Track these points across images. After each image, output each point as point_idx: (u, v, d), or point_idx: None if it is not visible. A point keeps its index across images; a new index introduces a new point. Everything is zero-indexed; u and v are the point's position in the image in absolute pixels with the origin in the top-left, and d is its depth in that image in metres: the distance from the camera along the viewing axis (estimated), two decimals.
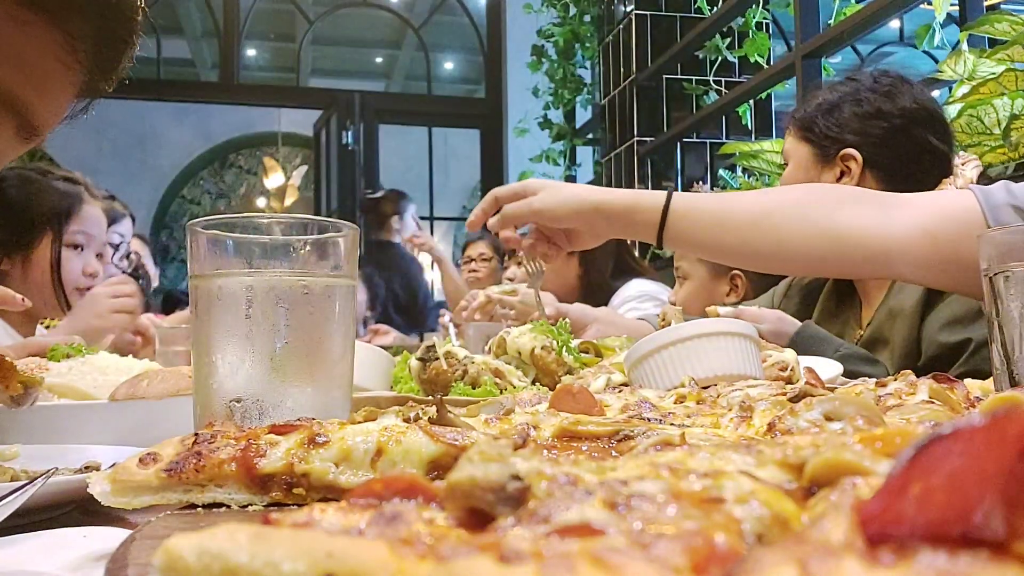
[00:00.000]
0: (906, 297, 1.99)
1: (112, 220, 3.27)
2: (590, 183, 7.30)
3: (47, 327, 2.77)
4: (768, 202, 1.44)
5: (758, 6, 5.25)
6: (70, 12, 0.83)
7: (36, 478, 0.71)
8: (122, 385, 1.20)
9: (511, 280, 4.41)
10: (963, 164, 2.27)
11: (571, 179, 7.56)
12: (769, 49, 5.40)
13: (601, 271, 3.58)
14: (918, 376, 0.81)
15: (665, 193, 1.47)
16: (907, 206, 1.38)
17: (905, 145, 2.13)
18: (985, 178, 2.36)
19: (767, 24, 5.46)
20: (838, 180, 2.15)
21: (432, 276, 7.70)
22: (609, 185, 6.44)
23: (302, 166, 11.62)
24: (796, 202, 1.42)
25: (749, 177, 4.65)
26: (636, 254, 4.22)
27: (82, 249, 2.76)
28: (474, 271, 5.20)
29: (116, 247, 3.48)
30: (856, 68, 8.40)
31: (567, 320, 1.60)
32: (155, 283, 4.26)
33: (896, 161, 2.12)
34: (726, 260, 1.56)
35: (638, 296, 3.41)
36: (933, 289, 1.90)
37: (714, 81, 5.80)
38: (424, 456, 0.63)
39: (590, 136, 7.33)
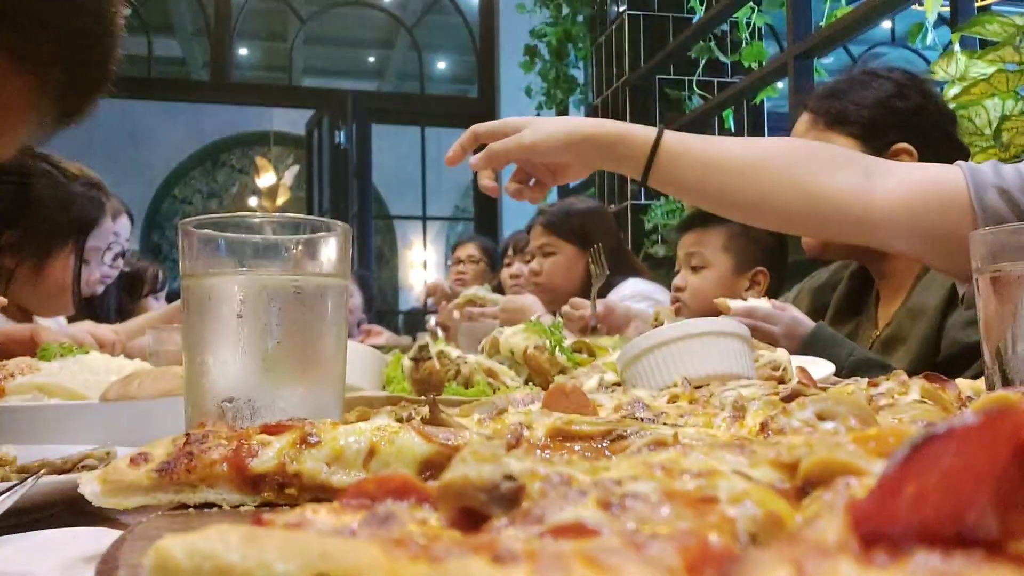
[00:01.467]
0: (931, 296, 1.96)
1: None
2: (583, 183, 7.32)
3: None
4: (757, 153, 1.41)
5: (753, 9, 5.25)
6: (42, 59, 0.83)
7: (26, 478, 0.71)
8: (113, 385, 1.19)
9: (516, 276, 4.41)
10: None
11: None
12: (765, 54, 5.41)
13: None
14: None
15: (656, 129, 1.45)
16: (892, 175, 1.37)
17: (944, 143, 2.11)
18: None
19: (760, 29, 5.46)
20: None
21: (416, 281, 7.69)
22: (603, 185, 6.45)
23: (294, 166, 11.60)
24: (783, 157, 1.40)
25: None
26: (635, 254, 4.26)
27: (89, 264, 2.77)
28: (462, 273, 5.19)
29: (108, 247, 3.47)
30: (848, 68, 8.44)
31: (559, 319, 1.60)
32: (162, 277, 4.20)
33: (937, 157, 2.11)
34: (706, 205, 1.49)
35: (632, 296, 3.42)
36: (957, 288, 1.89)
37: (706, 82, 5.81)
38: (417, 456, 0.63)
39: None
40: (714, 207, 1.51)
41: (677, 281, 3.01)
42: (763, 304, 2.04)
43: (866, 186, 1.36)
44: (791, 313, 2.00)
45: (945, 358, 1.86)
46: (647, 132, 1.44)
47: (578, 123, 1.49)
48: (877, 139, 2.08)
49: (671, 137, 1.43)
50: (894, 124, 2.10)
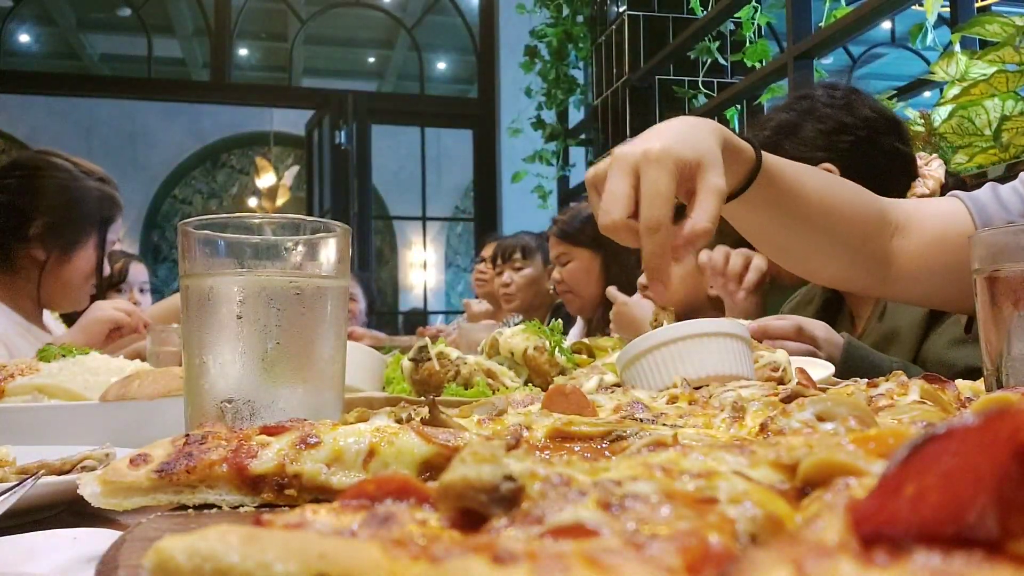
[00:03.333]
0: (902, 317, 1.98)
1: None
2: (584, 183, 7.31)
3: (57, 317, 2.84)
4: (829, 203, 1.39)
5: (756, 9, 5.25)
6: None
7: (25, 479, 0.71)
8: (113, 386, 1.19)
9: (507, 285, 4.42)
10: (926, 164, 2.29)
11: (564, 180, 7.57)
12: (768, 54, 5.41)
13: (625, 266, 3.60)
14: None
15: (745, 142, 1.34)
16: (908, 234, 1.41)
17: (873, 154, 2.16)
18: (951, 176, 2.38)
19: (760, 28, 5.47)
20: None
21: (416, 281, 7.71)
22: None
23: (294, 166, 11.61)
24: (848, 209, 1.40)
25: None
26: None
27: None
28: (482, 273, 5.15)
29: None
30: (848, 69, 8.44)
31: (559, 321, 1.60)
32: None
33: (868, 172, 2.11)
34: (776, 234, 1.45)
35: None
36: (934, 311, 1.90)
37: (706, 82, 5.81)
38: (416, 457, 0.63)
39: (583, 136, 7.34)
40: (776, 248, 1.48)
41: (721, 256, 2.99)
42: (811, 321, 2.00)
43: (890, 248, 1.41)
44: (823, 325, 1.98)
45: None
46: (748, 146, 1.32)
47: (707, 130, 1.27)
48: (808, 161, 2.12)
49: (768, 159, 1.33)
50: (816, 147, 2.15)
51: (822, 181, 1.40)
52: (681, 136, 1.19)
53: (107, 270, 2.89)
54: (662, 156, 1.13)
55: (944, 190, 2.12)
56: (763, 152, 1.33)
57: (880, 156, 2.16)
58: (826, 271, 1.51)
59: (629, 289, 3.30)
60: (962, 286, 1.32)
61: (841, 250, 1.42)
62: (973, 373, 1.74)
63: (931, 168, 2.28)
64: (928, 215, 1.43)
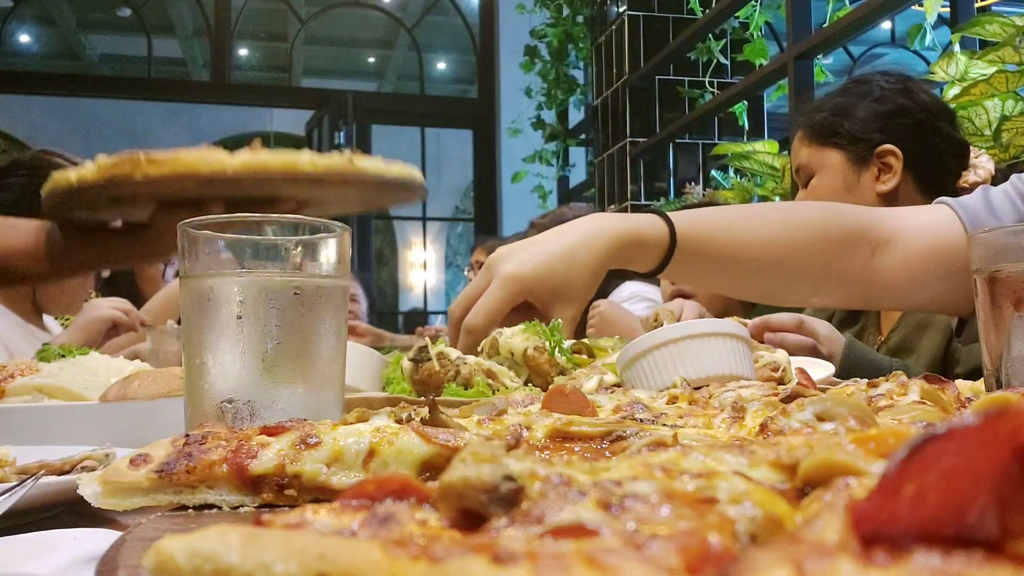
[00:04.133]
0: (925, 343, 1.99)
1: None
2: (583, 183, 7.33)
3: (63, 324, 2.82)
4: (772, 253, 1.39)
5: (756, 8, 5.25)
6: None
7: (25, 479, 0.71)
8: (113, 386, 1.19)
9: None
10: (976, 157, 2.30)
11: (564, 180, 7.57)
12: (767, 52, 5.41)
13: None
14: None
15: (663, 223, 1.36)
16: (893, 249, 1.40)
17: (933, 139, 2.17)
18: (1001, 170, 2.40)
19: (760, 28, 5.47)
20: (877, 179, 2.15)
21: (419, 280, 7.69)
22: (602, 186, 6.45)
23: None
24: (799, 251, 1.39)
25: (741, 178, 4.66)
26: None
27: None
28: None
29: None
30: (848, 69, 8.44)
31: (559, 321, 1.60)
32: None
33: (928, 155, 2.15)
34: (719, 291, 1.52)
35: (631, 297, 3.43)
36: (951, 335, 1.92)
37: (707, 82, 5.81)
38: (416, 457, 0.63)
39: (583, 137, 7.34)
40: (726, 293, 1.50)
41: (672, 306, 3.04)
42: (813, 320, 2.01)
43: (871, 267, 1.39)
44: (827, 325, 1.98)
45: (965, 373, 1.85)
46: (659, 231, 1.35)
47: (581, 243, 1.32)
48: (861, 146, 2.13)
49: (685, 234, 1.36)
50: (877, 129, 2.14)
51: (773, 224, 1.39)
52: (552, 261, 1.30)
53: (106, 271, 2.87)
54: (509, 281, 1.30)
55: (995, 183, 2.13)
56: (683, 225, 1.35)
57: (939, 139, 2.17)
58: (806, 302, 1.53)
59: (596, 296, 3.30)
60: (956, 293, 1.32)
61: (813, 282, 1.41)
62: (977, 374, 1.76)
63: (980, 161, 2.29)
64: (915, 227, 1.41)
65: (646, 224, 1.35)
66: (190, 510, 0.63)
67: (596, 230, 1.33)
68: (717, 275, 1.41)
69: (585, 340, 1.69)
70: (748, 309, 3.03)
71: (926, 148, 2.15)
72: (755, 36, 5.35)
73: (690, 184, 5.43)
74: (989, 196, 1.37)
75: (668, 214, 1.38)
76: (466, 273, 5.26)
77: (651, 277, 1.39)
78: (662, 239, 1.35)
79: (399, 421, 0.68)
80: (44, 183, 2.64)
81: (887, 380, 0.83)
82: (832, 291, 1.43)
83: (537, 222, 3.95)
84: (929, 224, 1.39)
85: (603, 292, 3.50)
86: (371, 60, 12.56)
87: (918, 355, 1.98)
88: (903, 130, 2.15)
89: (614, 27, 6.31)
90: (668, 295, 3.06)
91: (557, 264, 1.30)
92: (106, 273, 2.85)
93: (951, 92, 3.01)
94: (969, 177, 2.19)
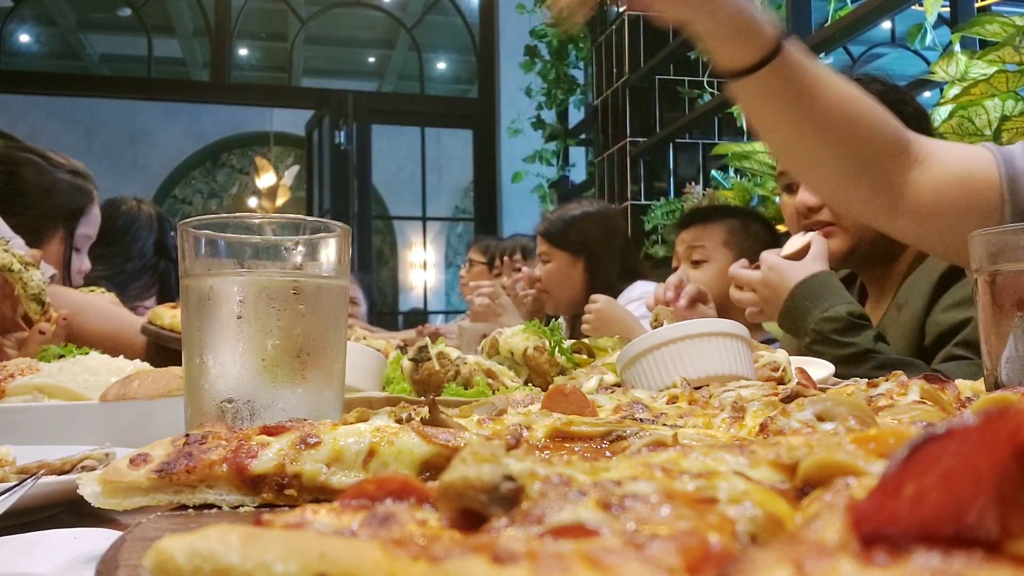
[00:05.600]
0: (916, 292, 2.03)
1: (151, 223, 3.33)
2: (583, 183, 7.33)
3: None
4: (852, 109, 1.36)
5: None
6: None
7: (25, 479, 0.71)
8: (113, 386, 1.19)
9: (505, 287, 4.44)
10: None
11: (564, 180, 7.57)
12: None
13: (607, 273, 3.62)
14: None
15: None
16: (928, 168, 1.38)
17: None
18: None
19: None
20: None
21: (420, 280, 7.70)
22: (602, 186, 6.45)
23: (294, 166, 11.60)
24: (867, 120, 1.38)
25: (741, 178, 4.66)
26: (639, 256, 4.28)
27: (80, 251, 2.75)
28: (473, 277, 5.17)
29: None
30: (848, 68, 8.43)
31: (559, 321, 1.60)
32: None
33: None
34: (782, 128, 1.40)
35: (640, 298, 3.43)
36: (943, 280, 1.93)
37: (707, 82, 5.81)
38: (416, 457, 0.63)
39: (583, 136, 7.34)
40: (783, 142, 1.45)
41: (673, 279, 3.03)
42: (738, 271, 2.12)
43: (905, 180, 1.37)
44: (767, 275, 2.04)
45: (931, 342, 1.92)
46: (775, 29, 1.31)
47: None
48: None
49: (790, 48, 1.31)
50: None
51: (847, 90, 1.36)
52: None
53: (86, 265, 2.81)
54: None
55: None
56: (788, 45, 1.30)
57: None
58: (829, 183, 1.47)
59: (614, 294, 3.33)
60: (971, 231, 1.31)
61: (851, 164, 1.38)
62: (961, 326, 1.82)
63: None
64: (952, 155, 1.40)
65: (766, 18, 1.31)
66: (190, 510, 0.63)
67: None
68: (794, 105, 1.35)
69: (585, 340, 1.69)
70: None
71: None
72: None
73: (690, 184, 5.43)
74: None
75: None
76: (462, 272, 5.26)
77: (743, 76, 1.31)
78: (775, 35, 1.30)
79: (399, 421, 0.68)
80: (22, 177, 2.61)
81: (887, 380, 0.83)
82: (871, 188, 1.40)
83: (547, 216, 3.99)
84: (966, 156, 1.38)
85: (613, 291, 3.51)
86: (371, 60, 12.56)
87: (895, 331, 2.01)
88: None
89: (614, 27, 6.30)
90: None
91: None
92: None
93: (951, 92, 3.01)
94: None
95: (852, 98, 1.37)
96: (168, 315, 2.14)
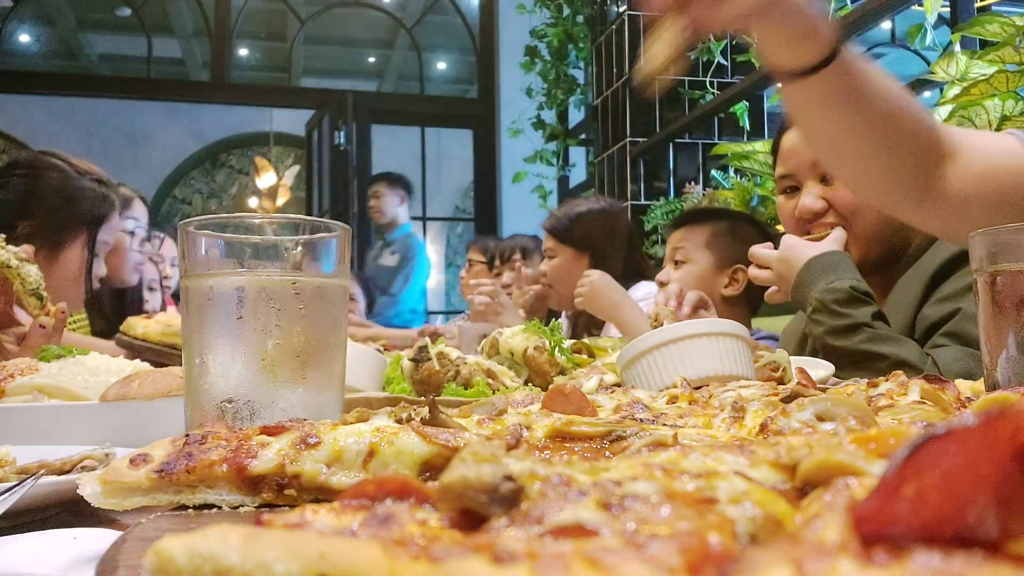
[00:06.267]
0: (909, 287, 2.05)
1: (123, 206, 3.31)
2: (583, 184, 7.33)
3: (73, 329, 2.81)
4: (902, 109, 1.37)
5: None
6: None
7: (25, 479, 0.71)
8: (113, 386, 1.19)
9: (507, 286, 4.44)
10: None
11: (564, 180, 7.57)
12: None
13: (612, 270, 3.63)
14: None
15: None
16: (957, 161, 1.38)
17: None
18: None
19: None
20: None
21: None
22: (602, 186, 6.45)
23: (294, 166, 11.60)
24: (914, 128, 1.38)
25: (741, 178, 4.66)
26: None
27: (97, 256, 2.79)
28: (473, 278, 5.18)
29: (131, 233, 3.53)
30: None
31: (560, 320, 1.60)
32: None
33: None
34: (829, 128, 1.40)
35: (644, 298, 3.44)
36: (935, 278, 1.95)
37: (707, 82, 5.81)
38: (416, 457, 0.63)
39: (583, 136, 7.34)
40: (833, 134, 1.43)
41: (660, 276, 3.06)
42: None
43: (935, 175, 1.38)
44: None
45: (920, 336, 1.95)
46: (832, 30, 1.30)
47: None
48: None
49: (848, 48, 1.31)
50: None
51: (894, 88, 1.37)
52: None
53: (102, 270, 2.86)
54: None
55: None
56: (846, 45, 1.30)
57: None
58: (867, 177, 1.47)
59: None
60: (1002, 222, 1.32)
61: (890, 159, 1.39)
62: (949, 317, 1.84)
63: None
64: (980, 146, 1.41)
65: (827, 21, 1.30)
66: (190, 510, 0.63)
67: None
68: (844, 109, 1.35)
69: (585, 340, 1.69)
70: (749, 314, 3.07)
71: None
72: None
73: (690, 184, 5.43)
74: None
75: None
76: (462, 273, 5.27)
77: (803, 76, 1.30)
78: (825, 42, 1.29)
79: (399, 421, 0.68)
80: (35, 184, 2.65)
81: (887, 380, 0.83)
82: (905, 180, 1.41)
83: (554, 213, 4.01)
84: (994, 146, 1.40)
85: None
86: (371, 60, 12.55)
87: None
88: None
89: (614, 27, 6.30)
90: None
91: None
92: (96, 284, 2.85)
93: (951, 92, 3.01)
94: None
95: (898, 95, 1.37)
96: (140, 326, 2.12)
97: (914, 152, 1.38)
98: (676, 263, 3.08)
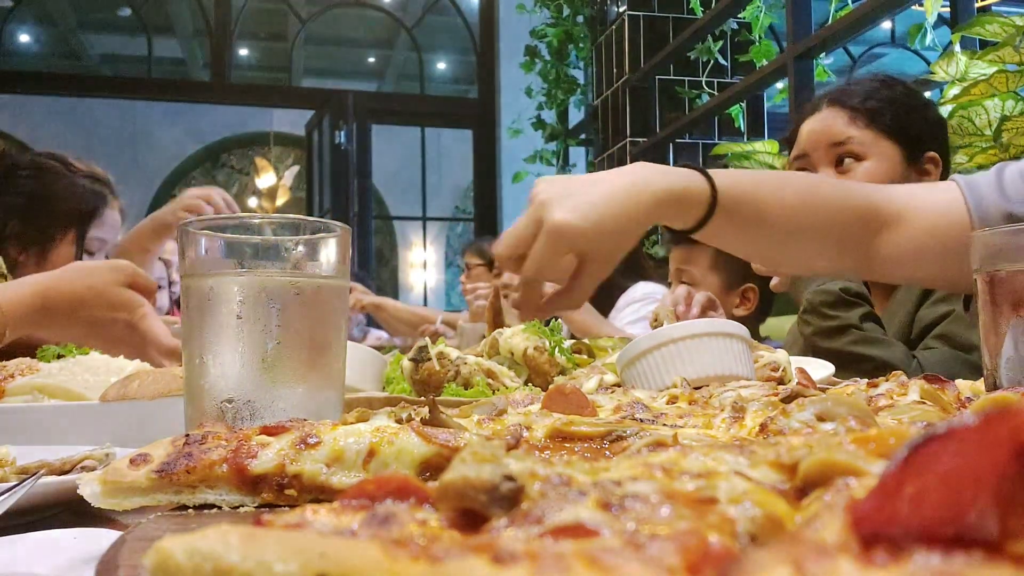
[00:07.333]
0: (910, 288, 2.09)
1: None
2: None
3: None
4: (806, 222, 1.40)
5: (762, 10, 5.24)
6: None
7: (25, 479, 0.71)
8: (113, 386, 1.19)
9: (507, 287, 4.42)
10: None
11: None
12: (774, 53, 5.41)
13: (611, 272, 3.62)
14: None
15: (704, 179, 1.33)
16: (899, 228, 1.41)
17: (947, 154, 2.28)
18: None
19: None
20: (919, 181, 2.20)
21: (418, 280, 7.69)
22: None
23: (294, 166, 11.61)
24: (831, 225, 1.41)
25: None
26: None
27: (93, 255, 2.75)
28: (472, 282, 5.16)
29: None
30: (848, 69, 8.44)
31: (560, 320, 1.60)
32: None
33: (947, 168, 2.25)
34: (743, 256, 1.51)
35: (643, 298, 3.43)
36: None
37: (707, 82, 5.81)
38: (416, 457, 0.63)
39: (583, 136, 7.34)
40: (750, 256, 1.54)
41: (682, 291, 3.04)
42: None
43: (875, 244, 1.42)
44: None
45: (916, 336, 2.00)
46: (702, 189, 1.32)
47: (629, 195, 1.26)
48: (914, 147, 2.20)
49: (725, 193, 1.33)
50: (926, 135, 2.22)
51: (799, 189, 1.40)
52: (602, 213, 1.24)
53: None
54: (559, 233, 1.22)
55: None
56: (722, 186, 1.33)
57: (947, 156, 2.28)
58: (813, 267, 1.56)
59: (605, 300, 3.33)
60: (954, 271, 1.34)
61: (824, 248, 1.42)
62: (942, 317, 1.87)
63: None
64: (923, 204, 1.42)
65: (689, 181, 1.31)
66: (190, 510, 0.63)
67: (643, 183, 1.28)
68: (747, 239, 1.40)
69: (585, 340, 1.69)
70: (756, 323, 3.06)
71: (946, 161, 2.25)
72: (760, 38, 5.35)
73: None
74: (1002, 174, 1.38)
75: (709, 172, 1.34)
76: (462, 279, 5.27)
77: (686, 236, 1.37)
78: (704, 198, 1.32)
79: (399, 421, 0.68)
80: (25, 183, 2.64)
81: (887, 380, 0.83)
82: (849, 258, 1.45)
83: None
84: (935, 204, 1.41)
85: (617, 287, 3.51)
86: (371, 60, 12.56)
87: (889, 333, 2.05)
88: (940, 141, 2.24)
89: (614, 27, 6.31)
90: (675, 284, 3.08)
91: (607, 219, 1.24)
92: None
93: (951, 92, 3.01)
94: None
95: (808, 190, 1.40)
96: None
97: (848, 231, 1.41)
98: (683, 284, 3.06)
